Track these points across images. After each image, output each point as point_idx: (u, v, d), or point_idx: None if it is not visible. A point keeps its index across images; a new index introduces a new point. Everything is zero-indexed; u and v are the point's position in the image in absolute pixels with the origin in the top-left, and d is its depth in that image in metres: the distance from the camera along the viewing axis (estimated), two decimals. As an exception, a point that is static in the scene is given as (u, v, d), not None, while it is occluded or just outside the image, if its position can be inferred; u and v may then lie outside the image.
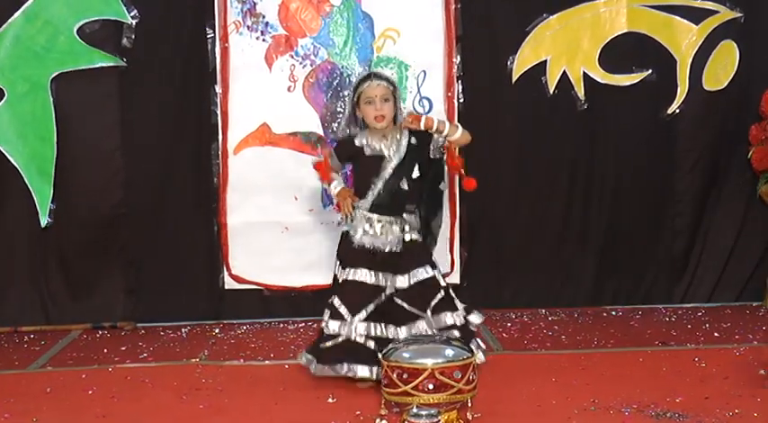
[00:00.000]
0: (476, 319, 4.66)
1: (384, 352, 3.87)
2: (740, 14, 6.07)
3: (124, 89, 5.88)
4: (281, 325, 6.00)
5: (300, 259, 5.99)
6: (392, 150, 4.49)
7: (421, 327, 4.46)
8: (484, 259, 6.18)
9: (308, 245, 5.98)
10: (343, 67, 5.98)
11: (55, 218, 5.88)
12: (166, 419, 4.14)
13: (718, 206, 6.24)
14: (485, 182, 6.12)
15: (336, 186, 4.59)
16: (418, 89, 6.00)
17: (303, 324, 5.95)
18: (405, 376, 3.72)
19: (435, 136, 4.50)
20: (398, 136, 4.53)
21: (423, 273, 4.51)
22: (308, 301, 5.92)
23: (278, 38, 5.95)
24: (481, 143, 6.10)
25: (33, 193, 5.84)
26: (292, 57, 5.96)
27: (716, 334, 5.53)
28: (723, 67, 6.10)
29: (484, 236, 6.18)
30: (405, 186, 4.49)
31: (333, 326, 4.43)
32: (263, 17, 5.93)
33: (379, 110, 4.46)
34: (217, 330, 5.89)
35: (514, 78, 6.05)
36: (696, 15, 6.06)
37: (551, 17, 6.04)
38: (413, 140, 4.52)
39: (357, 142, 4.53)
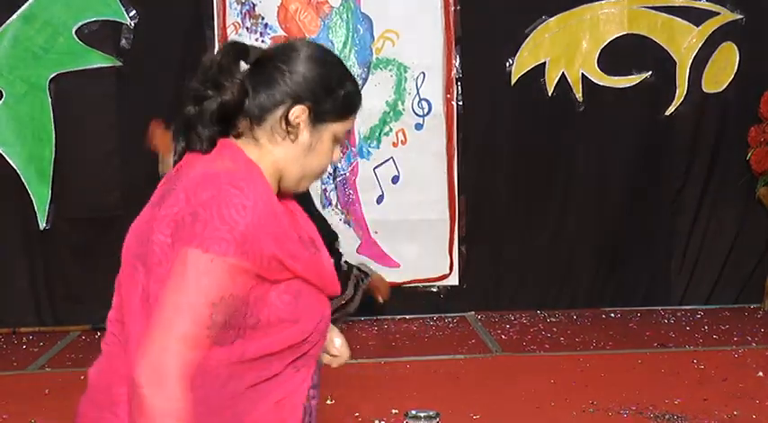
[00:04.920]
0: None
1: None
2: (741, 16, 6.07)
3: (122, 90, 5.88)
4: (280, 326, 5.98)
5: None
6: None
7: None
8: (483, 261, 6.18)
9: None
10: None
11: (53, 219, 5.88)
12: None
13: (717, 208, 6.24)
14: (483, 184, 6.15)
15: None
16: (417, 91, 6.00)
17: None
18: None
19: None
20: None
21: None
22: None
23: (277, 39, 5.95)
24: (480, 145, 6.13)
25: (32, 196, 5.83)
26: (291, 58, 5.95)
27: (714, 336, 5.53)
28: (723, 69, 6.10)
29: (482, 238, 6.17)
30: None
31: None
32: (263, 18, 5.93)
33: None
34: (215, 331, 5.88)
35: (513, 80, 6.05)
36: (697, 17, 6.06)
37: (550, 19, 6.03)
38: None
39: None
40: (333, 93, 1.72)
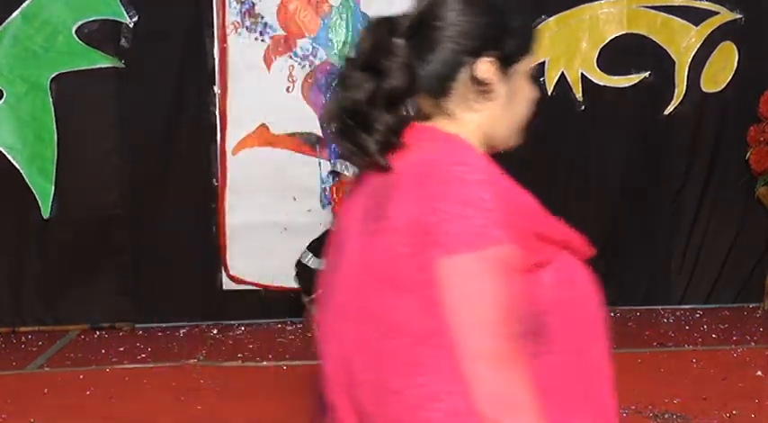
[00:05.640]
0: None
1: None
2: (740, 16, 6.07)
3: (122, 89, 5.88)
4: (280, 326, 5.99)
5: (299, 260, 5.99)
6: None
7: None
8: (482, 260, 6.17)
9: (307, 245, 5.98)
10: (341, 67, 5.97)
11: (53, 218, 5.88)
12: (164, 420, 4.14)
13: (717, 207, 6.23)
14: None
15: None
16: (417, 90, 6.00)
17: (302, 325, 5.95)
18: None
19: None
20: None
21: None
22: (307, 302, 5.92)
23: (277, 38, 5.95)
24: (480, 144, 6.13)
25: (34, 190, 5.82)
26: (291, 57, 5.96)
27: (714, 335, 5.53)
28: (722, 69, 6.10)
29: (482, 237, 6.16)
30: None
31: None
32: (262, 17, 5.93)
33: None
34: (215, 331, 5.89)
35: (513, 79, 6.05)
36: (696, 16, 6.06)
37: (550, 19, 6.03)
38: None
39: None
40: (508, 29, 1.49)
